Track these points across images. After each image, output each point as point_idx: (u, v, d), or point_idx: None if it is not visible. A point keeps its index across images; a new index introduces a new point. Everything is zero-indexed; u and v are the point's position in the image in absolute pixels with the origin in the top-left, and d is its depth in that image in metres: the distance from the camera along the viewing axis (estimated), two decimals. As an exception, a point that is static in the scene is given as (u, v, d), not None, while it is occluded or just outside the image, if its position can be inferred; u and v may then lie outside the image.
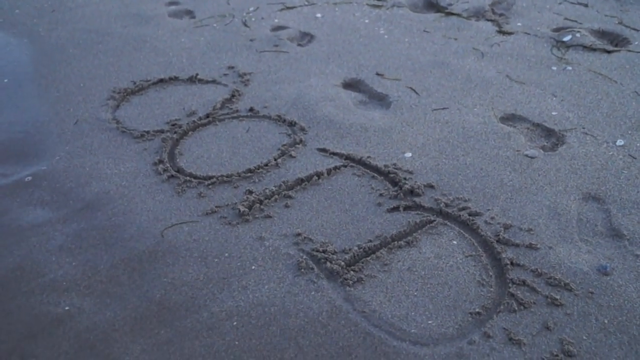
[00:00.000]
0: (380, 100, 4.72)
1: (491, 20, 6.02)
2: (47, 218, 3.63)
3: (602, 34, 5.61)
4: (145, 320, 2.93)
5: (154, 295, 3.06)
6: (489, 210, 3.48)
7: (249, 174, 3.89)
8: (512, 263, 3.11)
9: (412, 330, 2.81)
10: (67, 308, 3.00)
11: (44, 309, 3.01)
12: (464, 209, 3.49)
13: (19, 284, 3.16)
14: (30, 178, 3.95)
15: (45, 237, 3.48)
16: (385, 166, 3.86)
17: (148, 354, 2.77)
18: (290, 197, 3.69)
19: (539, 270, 3.05)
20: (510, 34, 5.70)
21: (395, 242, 3.29)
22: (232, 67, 5.28)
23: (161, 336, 2.84)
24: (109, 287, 3.12)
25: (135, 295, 3.07)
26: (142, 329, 2.89)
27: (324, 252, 3.25)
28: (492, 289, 2.99)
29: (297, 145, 4.14)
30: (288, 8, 6.54)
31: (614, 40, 5.51)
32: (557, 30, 5.71)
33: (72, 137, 4.38)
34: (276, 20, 6.25)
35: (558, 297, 2.90)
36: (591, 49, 5.31)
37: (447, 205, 3.52)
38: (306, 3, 6.62)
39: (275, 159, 4.01)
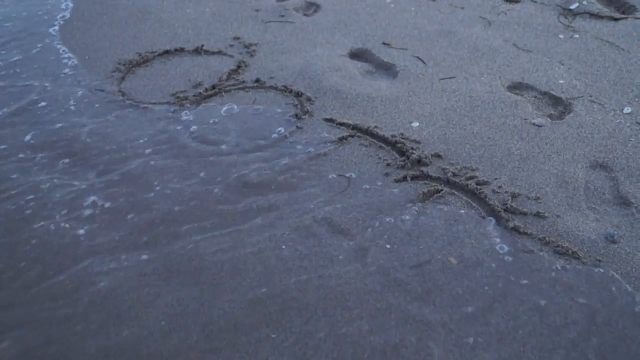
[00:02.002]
0: (387, 69, 4.71)
1: (497, -12, 5.99)
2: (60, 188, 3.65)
3: (609, 1, 5.57)
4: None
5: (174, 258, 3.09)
6: (496, 179, 3.48)
7: (257, 145, 3.91)
8: (519, 232, 3.12)
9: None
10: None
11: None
12: (471, 178, 3.49)
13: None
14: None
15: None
16: (393, 136, 3.86)
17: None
18: (297, 167, 3.70)
19: (546, 238, 3.06)
20: (516, 2, 5.66)
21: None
22: (238, 38, 5.26)
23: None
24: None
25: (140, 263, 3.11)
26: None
27: (332, 222, 3.27)
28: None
29: (303, 116, 4.14)
30: (293, -22, 6.50)
31: (621, 8, 5.47)
32: (564, -3, 5.68)
33: (77, 110, 4.38)
34: (281, -10, 6.22)
35: (566, 265, 2.91)
36: (598, 16, 5.28)
37: (454, 174, 3.53)
38: (311, -28, 6.58)
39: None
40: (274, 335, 2.68)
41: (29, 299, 2.90)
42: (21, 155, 3.91)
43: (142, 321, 2.77)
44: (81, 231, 3.29)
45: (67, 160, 3.84)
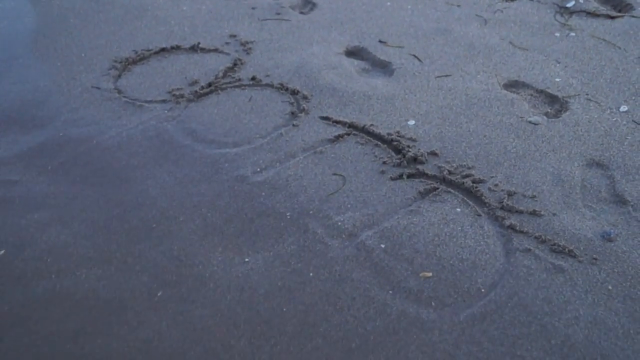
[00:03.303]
0: (383, 67, 4.71)
1: (494, -14, 5.99)
2: (55, 187, 3.64)
3: (605, -1, 5.58)
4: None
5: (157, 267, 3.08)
6: (492, 177, 3.48)
7: (253, 143, 3.91)
8: (515, 230, 3.12)
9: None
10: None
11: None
12: (467, 176, 3.49)
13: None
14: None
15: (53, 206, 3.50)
16: (389, 134, 3.86)
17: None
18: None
19: (542, 237, 3.06)
20: (513, 0, 5.66)
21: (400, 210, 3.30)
22: (234, 36, 5.25)
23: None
24: (121, 262, 3.16)
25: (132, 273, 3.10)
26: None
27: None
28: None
29: (300, 114, 4.13)
30: (289, -25, 6.49)
31: (618, 6, 5.47)
32: (560, -5, 5.68)
33: (73, 108, 4.37)
34: (277, -12, 6.21)
35: (562, 263, 2.91)
36: (594, 14, 5.28)
37: (450, 172, 3.53)
38: (307, -30, 6.57)
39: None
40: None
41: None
42: (14, 153, 3.91)
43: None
44: (69, 230, 3.29)
45: (61, 158, 3.83)
